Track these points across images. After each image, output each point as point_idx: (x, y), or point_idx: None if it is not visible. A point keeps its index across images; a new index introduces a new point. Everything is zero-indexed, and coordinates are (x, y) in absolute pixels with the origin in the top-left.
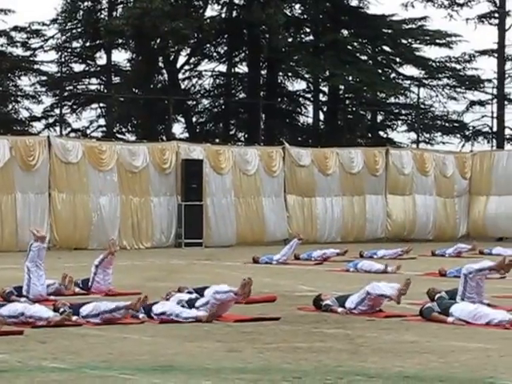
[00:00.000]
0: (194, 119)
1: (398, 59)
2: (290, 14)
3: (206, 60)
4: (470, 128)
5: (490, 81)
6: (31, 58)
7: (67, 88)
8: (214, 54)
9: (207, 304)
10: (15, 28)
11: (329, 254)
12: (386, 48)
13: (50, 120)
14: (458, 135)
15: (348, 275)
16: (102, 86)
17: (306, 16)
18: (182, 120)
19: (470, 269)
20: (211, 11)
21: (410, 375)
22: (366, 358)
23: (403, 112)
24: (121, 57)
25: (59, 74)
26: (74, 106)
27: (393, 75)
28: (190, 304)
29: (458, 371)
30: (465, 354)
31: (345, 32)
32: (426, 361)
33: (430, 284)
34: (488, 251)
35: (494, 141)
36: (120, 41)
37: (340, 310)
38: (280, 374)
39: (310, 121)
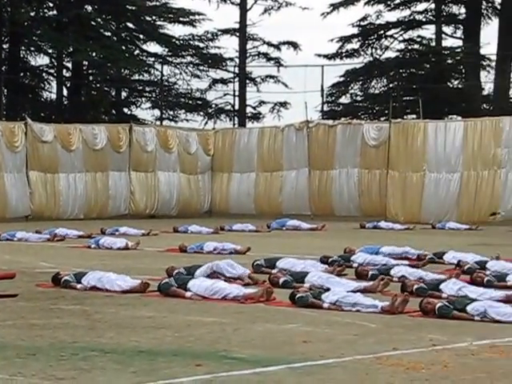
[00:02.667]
0: None
1: (141, 36)
2: None
3: None
4: (213, 106)
5: (232, 59)
6: None
7: None
8: None
9: None
10: None
11: (71, 236)
12: (130, 25)
13: None
14: (202, 113)
15: (89, 252)
16: None
17: None
18: None
19: None
20: None
21: (145, 350)
22: (103, 333)
23: (147, 89)
24: None
25: None
26: None
27: (137, 52)
28: None
29: (192, 345)
30: (200, 329)
31: (88, 8)
32: (161, 335)
33: (171, 260)
34: (229, 227)
35: (236, 119)
36: None
37: (79, 286)
38: (14, 351)
39: (54, 96)
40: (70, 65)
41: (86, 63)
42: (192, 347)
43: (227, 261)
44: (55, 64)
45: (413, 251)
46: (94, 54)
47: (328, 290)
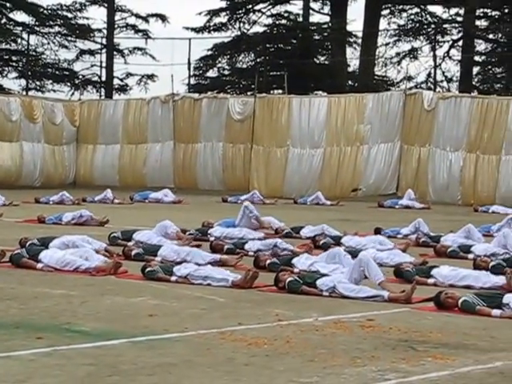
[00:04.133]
0: None
1: (8, 4)
2: None
3: None
4: (80, 77)
5: (100, 30)
6: None
7: None
8: None
9: None
10: None
11: None
12: None
13: None
14: (69, 83)
15: None
16: None
17: None
18: None
19: None
20: None
21: None
22: None
23: (14, 58)
24: None
25: None
26: None
27: (3, 21)
28: None
29: (36, 317)
30: (47, 301)
31: None
32: (6, 307)
33: (28, 230)
34: (91, 199)
35: (103, 90)
36: None
37: None
38: None
39: None
40: None
41: None
42: (35, 319)
43: (82, 236)
44: None
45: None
46: None
47: (181, 262)
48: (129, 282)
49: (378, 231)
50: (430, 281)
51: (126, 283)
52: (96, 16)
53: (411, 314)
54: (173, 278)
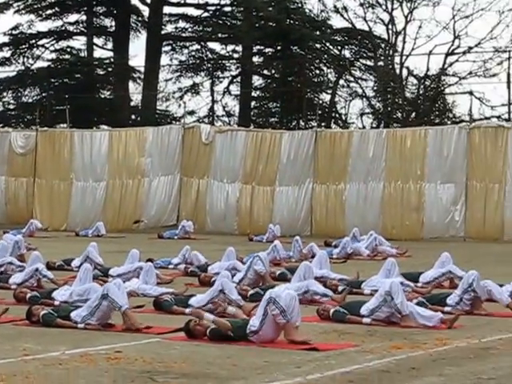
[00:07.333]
0: None
1: None
2: None
3: None
4: None
5: None
6: None
7: None
8: None
9: None
10: None
11: None
12: None
13: None
14: None
15: None
16: None
17: None
18: None
19: None
20: None
21: None
22: None
23: None
24: None
25: None
26: None
27: None
28: None
29: None
30: None
31: None
32: None
33: None
34: None
35: None
36: None
37: None
38: None
39: None
40: None
41: None
42: None
43: None
44: None
45: None
46: None
47: None
48: None
49: (149, 261)
50: (188, 310)
51: None
52: None
53: (160, 345)
54: None
